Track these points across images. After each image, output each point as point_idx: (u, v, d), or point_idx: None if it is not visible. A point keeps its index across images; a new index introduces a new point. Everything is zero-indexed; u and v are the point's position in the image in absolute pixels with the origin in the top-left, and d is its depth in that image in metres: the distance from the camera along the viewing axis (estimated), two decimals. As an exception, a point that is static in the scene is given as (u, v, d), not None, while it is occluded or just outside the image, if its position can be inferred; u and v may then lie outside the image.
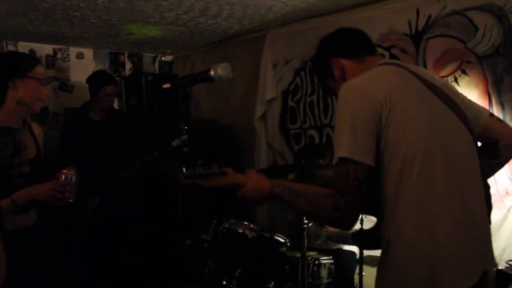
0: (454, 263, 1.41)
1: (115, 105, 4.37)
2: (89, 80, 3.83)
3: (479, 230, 1.51)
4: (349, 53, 1.67)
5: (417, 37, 3.10)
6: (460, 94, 1.69)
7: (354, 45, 1.70)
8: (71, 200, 1.90)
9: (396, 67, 1.60)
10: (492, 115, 1.76)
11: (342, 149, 1.44)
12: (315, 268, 2.81)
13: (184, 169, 1.77)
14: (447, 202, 1.43)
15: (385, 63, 1.65)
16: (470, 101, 1.72)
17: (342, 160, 1.43)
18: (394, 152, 1.44)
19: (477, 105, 1.75)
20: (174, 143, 2.66)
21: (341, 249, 3.14)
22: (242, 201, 1.74)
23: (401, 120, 1.44)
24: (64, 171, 1.91)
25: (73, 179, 1.91)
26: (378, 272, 1.55)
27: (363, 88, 1.50)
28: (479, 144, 1.67)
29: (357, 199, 1.42)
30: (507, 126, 1.78)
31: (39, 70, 2.06)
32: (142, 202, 3.95)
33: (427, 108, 1.49)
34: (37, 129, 2.18)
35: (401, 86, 1.51)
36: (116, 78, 5.03)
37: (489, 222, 1.60)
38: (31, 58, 2.20)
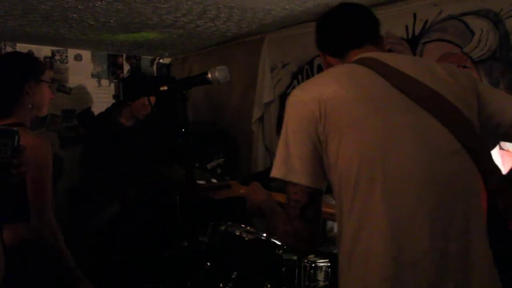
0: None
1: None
2: (128, 84, 3.70)
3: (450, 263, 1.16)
4: (334, 51, 1.47)
5: (413, 41, 3.12)
6: (468, 89, 1.33)
7: (339, 41, 1.46)
8: None
9: (355, 66, 1.33)
10: None
11: (275, 169, 1.28)
12: (312, 271, 2.81)
13: (201, 182, 1.88)
14: (387, 237, 1.15)
15: (354, 61, 1.36)
16: (493, 95, 1.38)
17: (283, 181, 1.26)
18: (333, 174, 1.24)
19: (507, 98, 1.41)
20: (209, 165, 2.67)
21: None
22: (250, 214, 1.70)
23: (336, 134, 1.21)
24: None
25: None
26: None
27: (297, 97, 1.30)
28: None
29: (303, 224, 1.25)
30: None
31: (48, 74, 2.11)
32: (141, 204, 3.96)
33: (378, 119, 1.21)
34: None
35: (344, 93, 1.24)
36: (114, 80, 5.06)
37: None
38: (41, 62, 2.22)
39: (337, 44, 1.46)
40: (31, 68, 2.01)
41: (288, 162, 1.25)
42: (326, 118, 1.21)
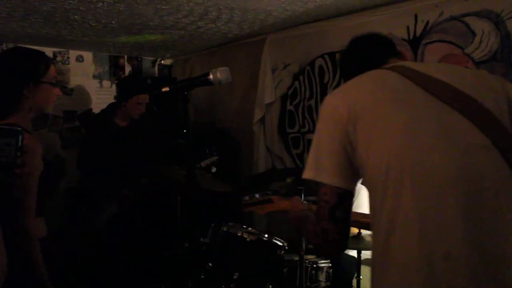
0: None
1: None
2: (122, 84, 3.73)
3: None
4: (362, 70, 1.46)
5: (415, 42, 3.12)
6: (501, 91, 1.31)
7: (367, 58, 1.53)
8: None
9: (384, 70, 1.40)
10: None
11: (307, 170, 1.33)
12: (313, 272, 2.81)
13: (245, 197, 2.03)
14: (418, 232, 1.17)
15: (383, 68, 1.43)
16: None
17: (314, 182, 1.31)
18: (364, 175, 1.27)
19: None
20: (204, 163, 2.69)
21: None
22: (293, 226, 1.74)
23: (365, 135, 1.25)
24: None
25: None
26: None
27: (329, 102, 1.36)
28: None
29: (332, 224, 1.29)
30: None
31: (53, 72, 1.93)
32: (142, 204, 3.96)
33: (406, 117, 1.24)
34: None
35: (372, 95, 1.30)
36: (115, 82, 5.08)
37: None
38: (44, 57, 1.96)
39: (365, 65, 1.49)
40: (30, 69, 1.86)
41: (319, 164, 1.31)
42: (355, 120, 1.26)
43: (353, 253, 3.11)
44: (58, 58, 4.77)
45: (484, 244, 1.15)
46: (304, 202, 1.75)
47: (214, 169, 2.69)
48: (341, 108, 1.29)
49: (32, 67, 1.87)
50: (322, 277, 2.85)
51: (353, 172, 1.30)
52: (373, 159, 1.24)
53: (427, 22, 3.03)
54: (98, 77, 5.04)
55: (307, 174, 1.33)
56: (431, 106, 1.25)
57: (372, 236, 1.30)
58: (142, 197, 3.58)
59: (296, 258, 2.65)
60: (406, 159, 1.20)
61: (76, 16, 3.44)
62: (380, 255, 1.25)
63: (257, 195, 2.03)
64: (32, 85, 1.84)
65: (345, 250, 1.37)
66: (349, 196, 1.31)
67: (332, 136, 1.30)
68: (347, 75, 1.53)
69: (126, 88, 3.69)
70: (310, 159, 1.34)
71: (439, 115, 1.24)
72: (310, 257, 2.93)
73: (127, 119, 3.67)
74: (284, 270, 2.72)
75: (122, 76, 5.23)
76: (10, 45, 4.40)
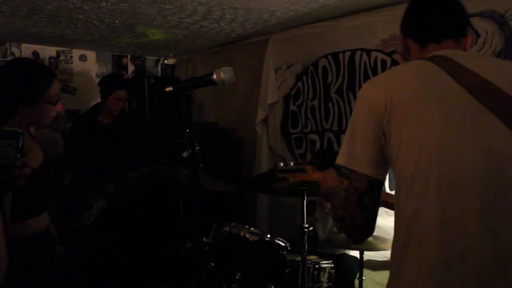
0: None
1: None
2: (101, 83, 3.84)
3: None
4: (415, 37, 1.47)
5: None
6: None
7: (421, 29, 1.47)
8: None
9: (425, 62, 1.35)
10: None
11: (340, 156, 1.36)
12: (315, 272, 2.81)
13: (280, 164, 2.06)
14: (438, 229, 1.18)
15: (426, 58, 1.37)
16: None
17: (345, 168, 1.35)
18: (395, 165, 1.29)
19: None
20: (185, 154, 2.69)
21: (344, 254, 3.15)
22: (323, 197, 1.76)
23: (398, 127, 1.26)
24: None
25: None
26: None
27: (367, 90, 1.37)
28: None
29: (360, 211, 1.32)
30: None
31: (54, 90, 1.86)
32: (144, 204, 3.97)
33: (440, 115, 1.23)
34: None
35: (409, 89, 1.29)
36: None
37: None
38: (47, 75, 1.88)
39: (419, 33, 1.47)
40: (30, 89, 1.80)
41: (352, 151, 1.33)
42: (391, 112, 1.27)
43: (355, 253, 3.11)
44: (61, 57, 4.78)
45: (501, 249, 1.16)
46: (336, 176, 1.75)
47: (186, 154, 2.70)
48: (378, 98, 1.29)
49: (32, 87, 1.81)
50: (324, 277, 2.85)
51: (385, 162, 1.32)
52: (402, 156, 1.25)
53: (431, 23, 3.02)
54: (101, 76, 5.04)
55: (340, 160, 1.36)
56: (467, 106, 1.23)
57: (395, 229, 1.31)
58: (126, 193, 3.61)
59: (298, 259, 2.65)
60: (435, 160, 1.20)
61: (79, 16, 3.45)
62: (401, 250, 1.26)
63: (291, 163, 2.06)
64: (29, 105, 1.81)
65: (369, 236, 1.40)
66: (379, 184, 1.33)
67: (367, 125, 1.31)
68: (405, 32, 1.52)
69: (105, 85, 3.77)
70: (344, 145, 1.36)
71: (474, 117, 1.22)
72: (312, 257, 2.93)
73: (110, 116, 3.75)
74: (286, 271, 2.71)
75: (126, 75, 5.24)
76: (14, 44, 4.41)
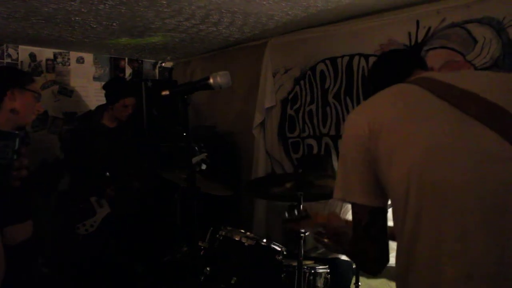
0: None
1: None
2: (108, 87, 3.78)
3: None
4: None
5: (416, 48, 3.11)
6: None
7: (392, 74, 1.51)
8: None
9: (405, 85, 1.37)
10: None
11: (336, 190, 1.34)
12: (311, 277, 2.80)
13: (286, 214, 2.29)
14: (438, 249, 1.14)
15: (409, 81, 1.39)
16: None
17: (344, 201, 1.34)
18: (388, 190, 1.26)
19: None
20: (194, 160, 2.68)
21: (338, 259, 3.14)
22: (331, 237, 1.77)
23: (387, 150, 1.24)
24: None
25: None
26: None
27: (352, 119, 1.37)
28: None
29: (369, 243, 1.28)
30: None
31: (36, 86, 2.22)
32: (141, 208, 3.95)
33: (426, 132, 1.21)
34: None
35: (392, 111, 1.28)
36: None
37: None
38: (30, 75, 2.40)
39: (391, 78, 1.47)
40: (14, 76, 2.13)
41: (346, 183, 1.31)
42: (377, 136, 1.25)
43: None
44: (59, 59, 4.76)
45: (508, 263, 1.10)
46: (341, 217, 1.78)
47: (204, 166, 2.67)
48: (362, 125, 1.28)
49: (17, 75, 2.19)
50: (320, 282, 2.84)
51: (380, 188, 1.28)
52: (393, 177, 1.22)
53: (429, 28, 3.03)
54: (98, 79, 5.03)
55: (336, 194, 1.34)
56: (452, 119, 1.20)
57: (397, 249, 1.27)
58: (130, 195, 3.60)
59: (294, 263, 2.65)
60: (426, 178, 1.17)
61: (77, 18, 3.44)
62: (403, 271, 1.23)
63: (295, 211, 2.25)
64: (17, 88, 2.07)
65: (386, 265, 1.33)
66: (381, 212, 1.30)
67: (355, 154, 1.29)
68: (375, 90, 1.49)
69: (113, 91, 3.72)
70: (338, 178, 1.34)
71: (461, 129, 1.19)
72: (308, 262, 2.92)
73: (115, 121, 3.72)
74: (282, 275, 2.71)
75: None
76: (11, 46, 4.40)
